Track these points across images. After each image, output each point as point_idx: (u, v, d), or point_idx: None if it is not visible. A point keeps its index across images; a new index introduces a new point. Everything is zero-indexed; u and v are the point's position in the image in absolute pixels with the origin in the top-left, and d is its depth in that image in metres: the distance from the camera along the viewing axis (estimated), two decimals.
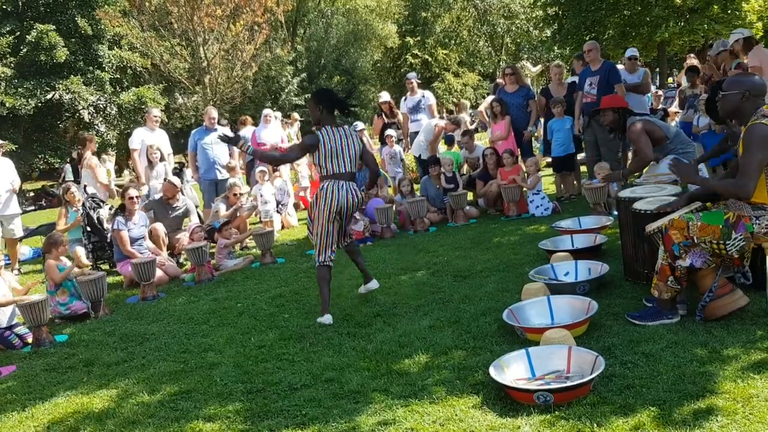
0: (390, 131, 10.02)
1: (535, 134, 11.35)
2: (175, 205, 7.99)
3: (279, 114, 18.38)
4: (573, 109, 8.39)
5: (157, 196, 8.24)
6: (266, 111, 10.48)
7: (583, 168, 9.12)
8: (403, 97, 10.04)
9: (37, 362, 4.82)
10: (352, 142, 4.82)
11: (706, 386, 2.99)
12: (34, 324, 5.15)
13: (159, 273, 6.71)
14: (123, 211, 7.13)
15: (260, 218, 9.28)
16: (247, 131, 10.51)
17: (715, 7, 18.56)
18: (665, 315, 3.77)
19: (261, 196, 9.01)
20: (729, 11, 18.87)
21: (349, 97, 5.30)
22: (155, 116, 9.31)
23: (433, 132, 9.15)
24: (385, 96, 10.70)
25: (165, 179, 8.29)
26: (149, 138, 8.98)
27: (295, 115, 18.91)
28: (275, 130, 10.16)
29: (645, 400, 2.94)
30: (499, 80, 9.69)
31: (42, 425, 3.71)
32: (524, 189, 8.01)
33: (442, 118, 10.89)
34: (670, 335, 3.58)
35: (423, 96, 9.81)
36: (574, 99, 8.38)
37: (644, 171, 5.90)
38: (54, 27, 20.40)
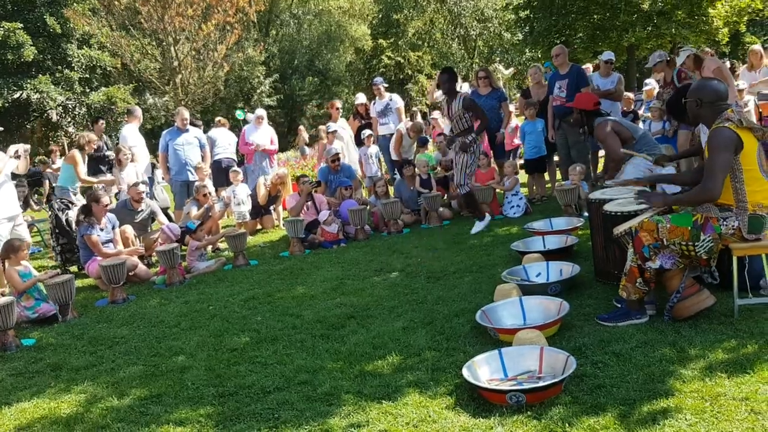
0: (367, 131, 10.02)
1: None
2: (139, 209, 7.87)
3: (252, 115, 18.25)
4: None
5: (123, 198, 8.12)
6: (260, 111, 10.24)
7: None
8: (372, 101, 10.09)
9: (2, 367, 4.71)
10: None
11: (675, 385, 3.03)
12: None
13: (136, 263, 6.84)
14: (87, 215, 6.94)
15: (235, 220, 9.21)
16: (221, 133, 10.22)
17: (679, 12, 18.86)
18: (634, 315, 3.83)
19: (234, 197, 8.93)
20: (695, 17, 19.21)
21: None
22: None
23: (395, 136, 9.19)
24: (361, 98, 10.70)
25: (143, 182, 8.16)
26: (136, 137, 8.90)
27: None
28: (266, 132, 10.03)
29: (615, 400, 2.97)
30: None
31: (9, 431, 3.63)
32: (499, 190, 8.06)
33: (412, 120, 10.92)
34: (639, 335, 3.64)
35: (390, 99, 9.86)
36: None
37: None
38: (21, 25, 20.03)
